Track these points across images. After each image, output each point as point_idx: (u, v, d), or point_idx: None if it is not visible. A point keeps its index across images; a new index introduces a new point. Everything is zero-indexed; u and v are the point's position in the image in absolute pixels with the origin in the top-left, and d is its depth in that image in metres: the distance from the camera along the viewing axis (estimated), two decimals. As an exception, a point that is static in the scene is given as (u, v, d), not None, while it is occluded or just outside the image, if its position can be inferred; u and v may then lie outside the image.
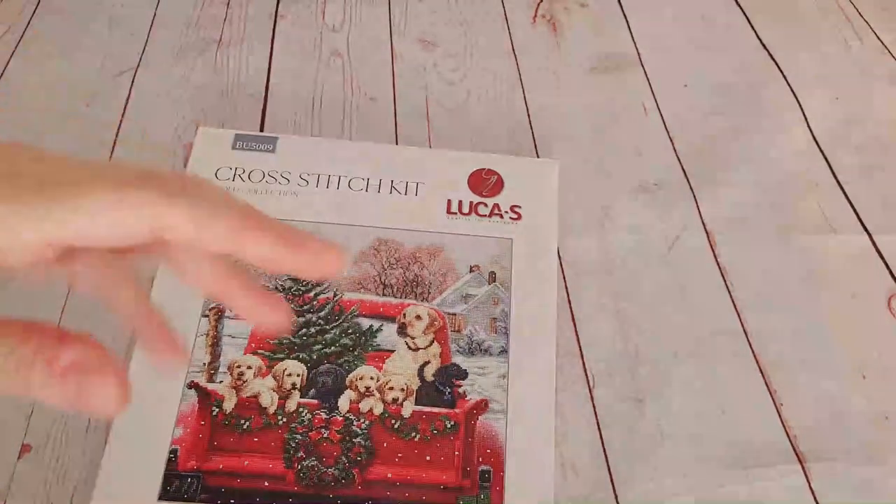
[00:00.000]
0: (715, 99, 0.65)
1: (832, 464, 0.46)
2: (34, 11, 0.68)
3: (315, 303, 0.48)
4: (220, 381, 0.45)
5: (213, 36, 0.68)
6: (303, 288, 0.49)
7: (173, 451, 0.42)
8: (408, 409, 0.45)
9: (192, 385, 0.45)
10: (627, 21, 0.71)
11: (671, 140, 0.62)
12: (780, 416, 0.47)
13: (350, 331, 0.48)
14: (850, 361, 0.50)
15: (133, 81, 0.63)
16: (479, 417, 0.45)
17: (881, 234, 0.56)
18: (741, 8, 0.73)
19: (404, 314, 0.48)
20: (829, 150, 0.62)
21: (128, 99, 0.62)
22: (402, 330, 0.48)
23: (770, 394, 0.48)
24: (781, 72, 0.67)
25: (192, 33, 0.68)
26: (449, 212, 0.52)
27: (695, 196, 0.58)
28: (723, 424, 0.47)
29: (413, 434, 0.44)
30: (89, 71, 0.64)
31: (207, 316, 0.47)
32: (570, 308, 0.51)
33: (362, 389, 0.45)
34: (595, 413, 0.47)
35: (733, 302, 0.52)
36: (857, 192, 0.59)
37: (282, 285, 0.49)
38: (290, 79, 0.65)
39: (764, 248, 0.55)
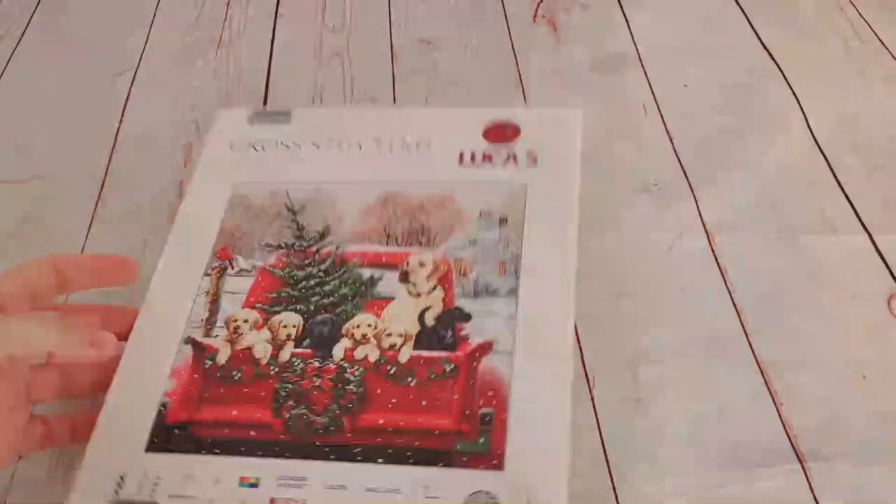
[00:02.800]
0: (715, 99, 0.65)
1: (832, 464, 0.45)
2: (34, 11, 0.68)
3: (317, 256, 0.47)
4: (217, 336, 0.44)
5: (213, 36, 0.68)
6: (305, 243, 0.47)
7: (164, 405, 0.42)
8: (405, 354, 0.42)
9: (189, 340, 0.44)
10: (627, 21, 0.71)
11: (671, 140, 0.62)
12: (780, 416, 0.47)
13: (350, 281, 0.46)
14: (850, 361, 0.50)
15: (133, 81, 0.63)
16: (483, 359, 0.42)
17: (881, 234, 0.56)
18: (741, 8, 0.73)
19: (407, 262, 0.46)
20: (829, 150, 0.62)
21: (128, 99, 0.62)
22: (405, 277, 0.45)
23: (770, 394, 0.48)
24: (781, 71, 0.67)
25: (192, 33, 0.68)
26: (461, 163, 0.50)
27: (695, 196, 0.58)
28: (723, 424, 0.47)
29: (409, 379, 0.42)
30: (89, 71, 0.64)
31: (210, 275, 0.46)
32: (570, 308, 0.51)
33: (358, 337, 0.43)
34: (595, 413, 0.47)
35: (733, 302, 0.52)
36: (857, 192, 0.59)
37: (284, 242, 0.48)
38: (290, 79, 0.65)
39: (764, 248, 0.55)
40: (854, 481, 0.45)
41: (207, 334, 0.44)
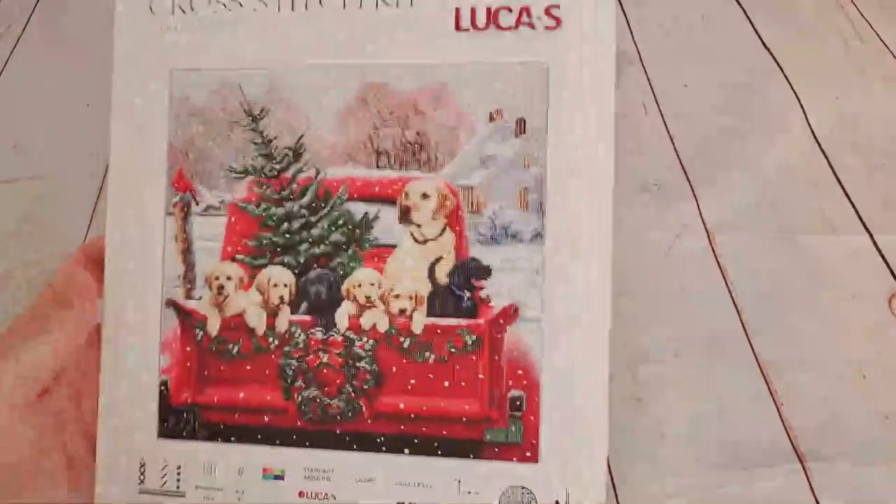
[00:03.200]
0: (715, 99, 0.65)
1: (832, 464, 0.46)
2: (33, 10, 0.68)
3: (295, 186, 0.39)
4: (200, 298, 0.39)
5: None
6: (277, 166, 0.39)
7: (164, 383, 0.39)
8: (418, 322, 0.37)
9: (170, 303, 0.39)
10: (627, 21, 0.71)
11: (671, 140, 0.62)
12: (780, 416, 0.47)
13: (341, 222, 0.39)
14: (850, 361, 0.50)
15: (133, 81, 0.63)
16: (508, 328, 0.36)
17: (881, 234, 0.56)
18: (742, 7, 0.73)
19: (406, 193, 0.38)
20: (829, 149, 0.62)
21: (128, 98, 0.62)
22: (406, 216, 0.38)
23: (770, 394, 0.48)
24: (782, 71, 0.67)
25: (191, 33, 0.68)
26: (458, 28, 0.38)
27: (695, 196, 0.58)
28: (723, 424, 0.47)
29: (427, 354, 0.37)
30: (89, 71, 0.64)
31: (173, 213, 0.39)
32: (571, 308, 0.51)
33: (362, 300, 0.38)
34: (595, 413, 0.47)
35: (733, 302, 0.52)
36: (857, 191, 0.59)
37: (252, 165, 0.39)
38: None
39: (764, 248, 0.55)
40: (854, 481, 0.45)
41: (189, 295, 0.39)
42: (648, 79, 0.66)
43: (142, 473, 0.39)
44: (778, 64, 0.68)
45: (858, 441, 0.47)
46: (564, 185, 0.36)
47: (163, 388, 0.39)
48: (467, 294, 0.37)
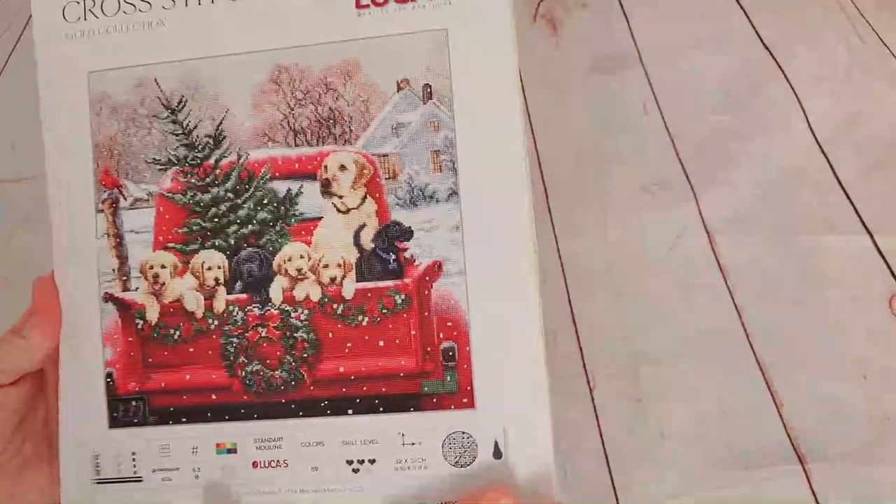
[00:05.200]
0: (715, 98, 0.65)
1: (832, 464, 0.46)
2: (34, 10, 0.68)
3: (218, 171, 0.41)
4: (136, 289, 0.40)
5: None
6: (200, 155, 0.41)
7: (109, 375, 0.40)
8: (349, 288, 0.39)
9: (108, 297, 0.40)
10: (628, 21, 0.71)
11: (671, 140, 0.62)
12: (780, 416, 0.47)
13: (266, 201, 0.40)
14: (850, 361, 0.50)
15: (133, 80, 0.63)
16: (434, 284, 0.39)
17: (881, 234, 0.56)
18: (742, 7, 0.73)
19: (325, 166, 0.40)
20: (829, 149, 0.62)
21: (127, 98, 0.62)
22: (327, 188, 0.40)
23: (770, 394, 0.48)
24: (782, 71, 0.67)
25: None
26: (359, 5, 0.40)
27: (695, 196, 0.58)
28: (723, 424, 0.47)
29: (360, 318, 0.39)
30: (89, 70, 0.64)
31: (102, 210, 0.41)
32: (571, 308, 0.51)
33: (294, 273, 0.40)
34: (595, 413, 0.47)
35: (733, 302, 0.52)
36: (857, 191, 0.59)
37: (175, 156, 0.41)
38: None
39: (764, 248, 0.55)
40: (854, 481, 0.45)
41: (125, 287, 0.40)
42: (648, 79, 0.66)
43: (97, 465, 0.40)
44: (778, 63, 0.68)
45: (858, 441, 0.47)
46: (474, 142, 0.38)
47: (108, 380, 0.40)
48: (392, 256, 0.39)
